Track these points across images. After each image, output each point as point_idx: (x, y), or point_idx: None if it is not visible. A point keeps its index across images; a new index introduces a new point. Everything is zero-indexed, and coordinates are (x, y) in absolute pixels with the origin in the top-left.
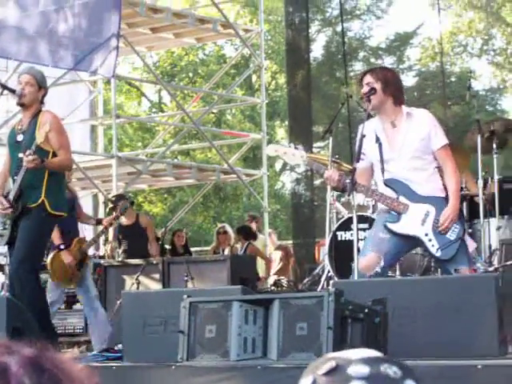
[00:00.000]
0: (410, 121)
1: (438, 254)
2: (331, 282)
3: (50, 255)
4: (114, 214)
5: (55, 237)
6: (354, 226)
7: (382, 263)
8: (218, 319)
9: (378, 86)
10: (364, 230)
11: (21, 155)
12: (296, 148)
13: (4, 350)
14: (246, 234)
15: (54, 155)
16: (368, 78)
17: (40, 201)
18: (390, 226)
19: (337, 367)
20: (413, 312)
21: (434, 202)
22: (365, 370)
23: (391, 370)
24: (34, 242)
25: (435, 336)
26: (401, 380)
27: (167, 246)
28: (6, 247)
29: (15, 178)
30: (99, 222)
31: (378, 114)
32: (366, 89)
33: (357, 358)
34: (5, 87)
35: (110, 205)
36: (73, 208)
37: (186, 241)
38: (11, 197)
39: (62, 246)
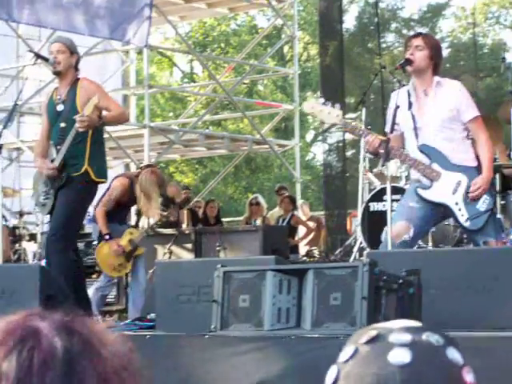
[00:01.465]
0: (439, 90)
1: (467, 224)
2: (364, 252)
3: (97, 247)
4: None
5: (102, 226)
6: (388, 196)
7: (412, 232)
8: (252, 289)
9: (426, 51)
10: (397, 201)
11: (62, 125)
12: (333, 106)
13: (36, 316)
14: (290, 203)
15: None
16: (419, 41)
17: (83, 169)
18: (420, 191)
19: (378, 335)
20: (446, 283)
21: (467, 172)
22: (406, 337)
23: (433, 338)
24: (75, 209)
25: (469, 307)
26: (443, 347)
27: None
28: (48, 216)
29: (58, 147)
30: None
31: (414, 78)
32: (410, 52)
33: (398, 327)
34: (38, 56)
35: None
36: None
37: (218, 211)
38: (56, 167)
39: (108, 237)
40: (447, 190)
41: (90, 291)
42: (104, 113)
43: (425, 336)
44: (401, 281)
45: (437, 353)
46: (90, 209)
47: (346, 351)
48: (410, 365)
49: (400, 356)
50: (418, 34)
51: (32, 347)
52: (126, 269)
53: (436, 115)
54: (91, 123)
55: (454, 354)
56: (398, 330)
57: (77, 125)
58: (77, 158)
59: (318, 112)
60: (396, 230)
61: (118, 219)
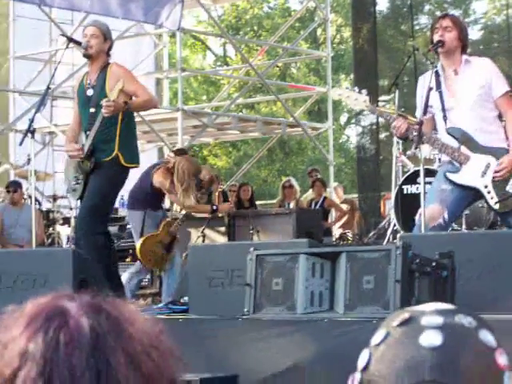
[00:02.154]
0: (469, 68)
1: (497, 207)
2: (398, 235)
3: (139, 241)
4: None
5: (204, 209)
6: (421, 179)
7: (446, 215)
8: (285, 272)
9: (455, 32)
10: (431, 183)
11: (92, 110)
12: (360, 92)
13: (64, 297)
14: (322, 186)
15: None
16: (447, 22)
17: (114, 154)
18: (449, 175)
19: (410, 318)
20: (479, 266)
21: (497, 154)
22: (438, 320)
23: (466, 320)
24: (105, 194)
25: (501, 290)
26: (475, 330)
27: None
28: (78, 201)
29: (88, 133)
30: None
31: (443, 59)
32: (439, 33)
33: (431, 310)
34: (71, 39)
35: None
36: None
37: (251, 194)
38: (85, 152)
39: (215, 207)
40: (476, 173)
41: (125, 275)
42: (133, 99)
43: (457, 318)
44: (434, 264)
45: (469, 335)
46: (124, 193)
47: (378, 334)
48: (442, 347)
49: (431, 338)
50: (445, 15)
51: (58, 327)
52: (168, 260)
53: (468, 93)
54: (116, 108)
55: (486, 336)
56: (431, 312)
57: (103, 110)
58: (107, 143)
59: (345, 98)
60: (430, 213)
61: (153, 205)
